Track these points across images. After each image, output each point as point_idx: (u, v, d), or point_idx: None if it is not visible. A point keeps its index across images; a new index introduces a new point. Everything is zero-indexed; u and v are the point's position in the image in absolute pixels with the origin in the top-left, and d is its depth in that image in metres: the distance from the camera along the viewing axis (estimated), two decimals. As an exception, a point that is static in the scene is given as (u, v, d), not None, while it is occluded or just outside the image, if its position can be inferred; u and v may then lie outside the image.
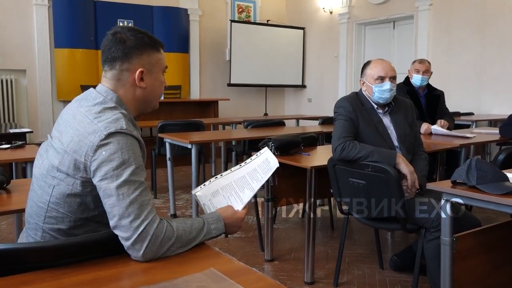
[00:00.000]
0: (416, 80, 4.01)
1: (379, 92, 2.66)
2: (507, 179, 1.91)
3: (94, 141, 1.24)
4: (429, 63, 4.08)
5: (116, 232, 1.21)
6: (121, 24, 7.33)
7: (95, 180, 1.24)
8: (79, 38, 7.06)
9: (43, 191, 1.32)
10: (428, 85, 4.13)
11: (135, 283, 1.13)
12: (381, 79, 2.65)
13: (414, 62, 4.11)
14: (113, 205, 1.21)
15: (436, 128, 3.85)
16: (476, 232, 2.16)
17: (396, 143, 2.68)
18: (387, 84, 2.64)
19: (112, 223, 1.22)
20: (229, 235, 3.74)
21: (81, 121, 1.29)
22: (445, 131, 3.85)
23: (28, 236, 1.37)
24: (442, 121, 3.97)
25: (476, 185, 1.88)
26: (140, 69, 1.38)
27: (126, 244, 1.20)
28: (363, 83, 2.75)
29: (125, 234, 1.20)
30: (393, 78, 2.68)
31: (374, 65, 2.72)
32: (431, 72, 4.09)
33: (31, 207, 1.37)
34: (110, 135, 1.24)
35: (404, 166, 2.48)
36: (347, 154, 2.52)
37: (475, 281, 2.17)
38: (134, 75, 1.38)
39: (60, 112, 1.43)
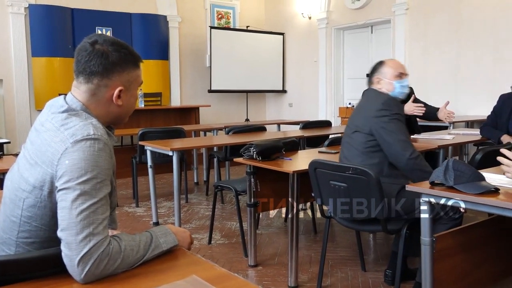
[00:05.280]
0: None
1: (400, 87, 2.74)
2: (483, 178, 1.95)
3: (59, 149, 1.20)
4: None
5: (61, 246, 1.15)
6: (99, 32, 7.27)
7: (56, 189, 1.19)
8: (56, 47, 6.98)
9: (14, 204, 1.28)
10: None
11: (116, 292, 1.12)
12: (401, 75, 2.75)
13: None
14: (64, 217, 1.15)
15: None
16: (455, 232, 2.20)
17: None
18: (406, 81, 2.77)
19: (58, 234, 1.16)
20: (211, 242, 3.73)
21: (48, 129, 1.26)
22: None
23: (1, 251, 1.32)
24: (444, 108, 4.02)
25: (454, 185, 1.91)
26: (120, 88, 1.33)
27: (68, 262, 1.13)
28: (379, 80, 2.77)
29: (68, 252, 1.13)
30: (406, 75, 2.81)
31: (392, 63, 2.80)
32: None
33: (3, 221, 1.32)
34: (76, 143, 1.20)
35: None
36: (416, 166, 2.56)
37: (455, 280, 2.20)
38: (112, 92, 1.33)
39: (37, 121, 1.40)
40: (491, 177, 2.08)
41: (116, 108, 1.36)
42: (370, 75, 2.84)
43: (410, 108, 3.77)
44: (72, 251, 1.13)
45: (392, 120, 2.59)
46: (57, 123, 1.26)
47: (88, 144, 1.20)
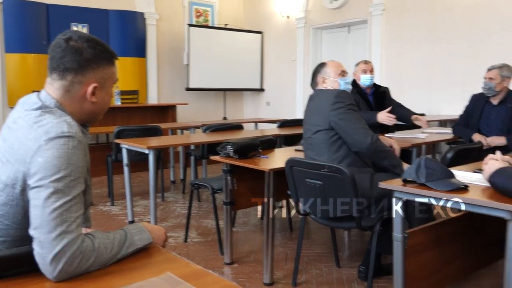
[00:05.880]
0: (365, 79, 4.15)
1: (345, 84, 2.88)
2: (453, 176, 2.00)
3: (33, 147, 1.18)
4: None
5: (33, 244, 1.14)
6: (75, 28, 7.16)
7: (29, 187, 1.18)
8: (31, 43, 6.84)
9: None
10: (374, 83, 4.29)
11: (90, 290, 1.12)
12: (343, 73, 2.91)
13: (358, 64, 4.26)
14: (36, 216, 1.14)
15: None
16: (426, 228, 2.25)
17: None
18: (349, 78, 2.94)
19: (31, 233, 1.14)
20: (187, 240, 3.73)
21: (21, 127, 1.24)
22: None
23: None
24: (418, 116, 4.12)
25: (425, 182, 1.96)
26: (94, 84, 1.32)
27: (40, 261, 1.12)
28: (324, 80, 2.90)
29: (41, 250, 1.12)
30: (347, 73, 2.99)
31: (333, 63, 2.95)
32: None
33: None
34: (49, 140, 1.18)
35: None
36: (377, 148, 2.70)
37: (426, 276, 2.25)
38: (86, 88, 1.31)
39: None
40: (461, 174, 2.14)
41: (90, 105, 1.34)
42: (313, 77, 2.98)
43: (382, 117, 3.87)
44: (44, 249, 1.12)
45: (347, 110, 2.72)
46: (31, 120, 1.24)
47: (62, 142, 1.19)
